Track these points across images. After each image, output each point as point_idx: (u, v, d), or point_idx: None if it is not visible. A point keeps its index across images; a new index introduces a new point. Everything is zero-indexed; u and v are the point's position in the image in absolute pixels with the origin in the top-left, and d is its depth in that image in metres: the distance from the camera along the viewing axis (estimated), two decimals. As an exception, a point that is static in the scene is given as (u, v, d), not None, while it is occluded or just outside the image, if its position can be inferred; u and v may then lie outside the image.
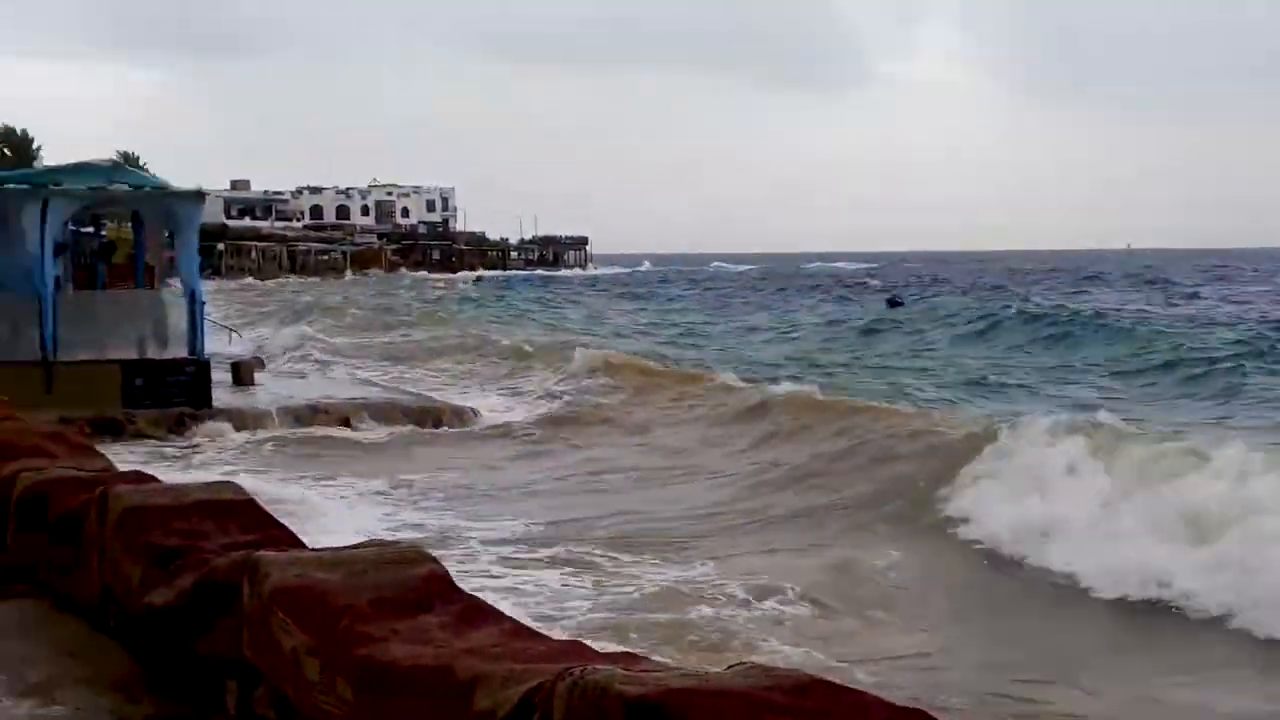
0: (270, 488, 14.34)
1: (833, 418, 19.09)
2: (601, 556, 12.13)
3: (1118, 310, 47.49)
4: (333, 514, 13.49)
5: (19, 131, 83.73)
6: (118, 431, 18.32)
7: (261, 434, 19.15)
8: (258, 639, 3.42)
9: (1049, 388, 26.03)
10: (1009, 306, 45.49)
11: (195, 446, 18.37)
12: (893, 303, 57.24)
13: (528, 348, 31.86)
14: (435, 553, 10.15)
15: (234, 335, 32.57)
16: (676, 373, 26.06)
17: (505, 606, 8.99)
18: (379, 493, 15.43)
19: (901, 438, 17.05)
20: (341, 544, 3.75)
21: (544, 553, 12.22)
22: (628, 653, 2.97)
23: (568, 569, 11.65)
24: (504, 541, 12.78)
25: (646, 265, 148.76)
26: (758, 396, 21.61)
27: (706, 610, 10.23)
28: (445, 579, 3.42)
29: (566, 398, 24.35)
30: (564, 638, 3.19)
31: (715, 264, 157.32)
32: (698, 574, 11.61)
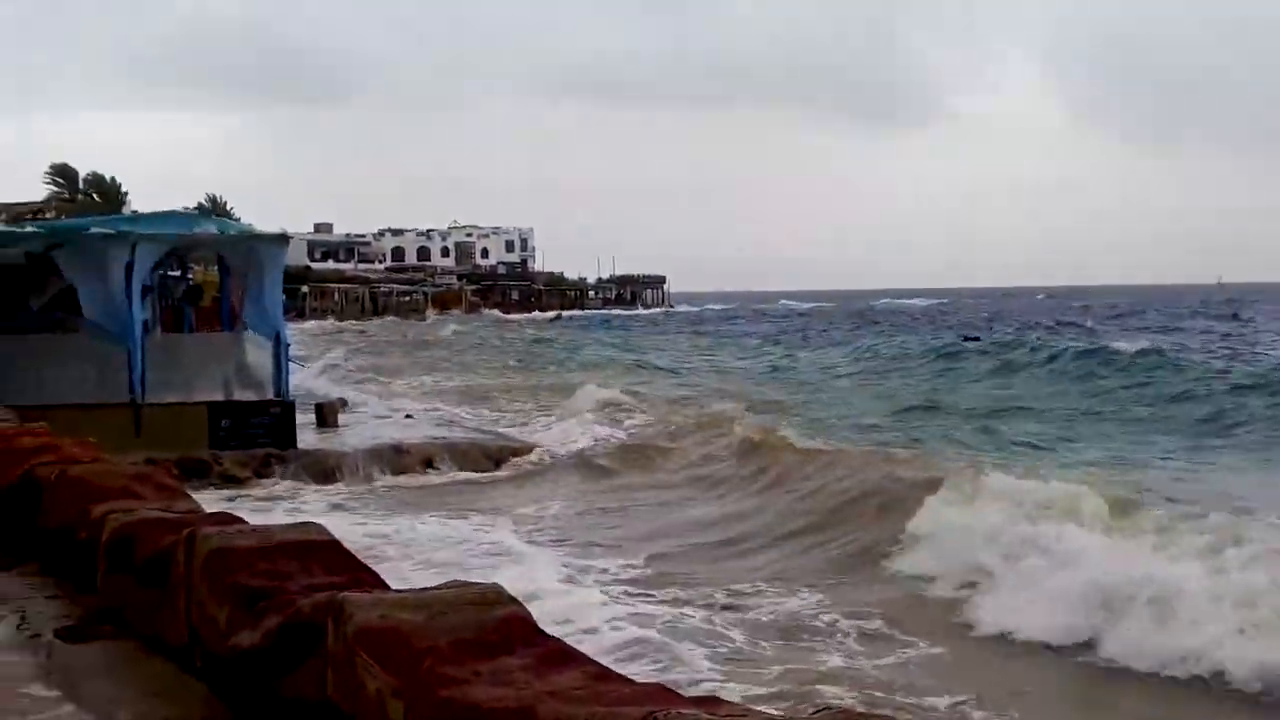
0: (431, 529, 15.58)
1: (876, 462, 19.12)
2: (720, 592, 12.66)
3: (1181, 348, 47.02)
4: (534, 556, 14.10)
5: (108, 179, 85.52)
6: (204, 473, 18.56)
7: (353, 484, 19.43)
8: (342, 680, 3.43)
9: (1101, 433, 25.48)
10: (1075, 342, 45.17)
11: (296, 490, 18.70)
12: (967, 338, 57.06)
13: (601, 391, 31.96)
14: (566, 589, 10.47)
15: (302, 366, 32.99)
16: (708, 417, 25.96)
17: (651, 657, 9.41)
18: (510, 531, 16.02)
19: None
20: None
21: (670, 592, 12.72)
22: (712, 697, 2.94)
23: (691, 607, 12.07)
24: (631, 581, 13.30)
25: (719, 306, 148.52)
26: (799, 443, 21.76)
27: (837, 660, 10.32)
28: (527, 621, 3.42)
29: (629, 432, 24.90)
30: (647, 681, 3.16)
31: (783, 301, 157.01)
32: (811, 608, 11.98)
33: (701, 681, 9.28)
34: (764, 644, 10.83)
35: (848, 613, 11.84)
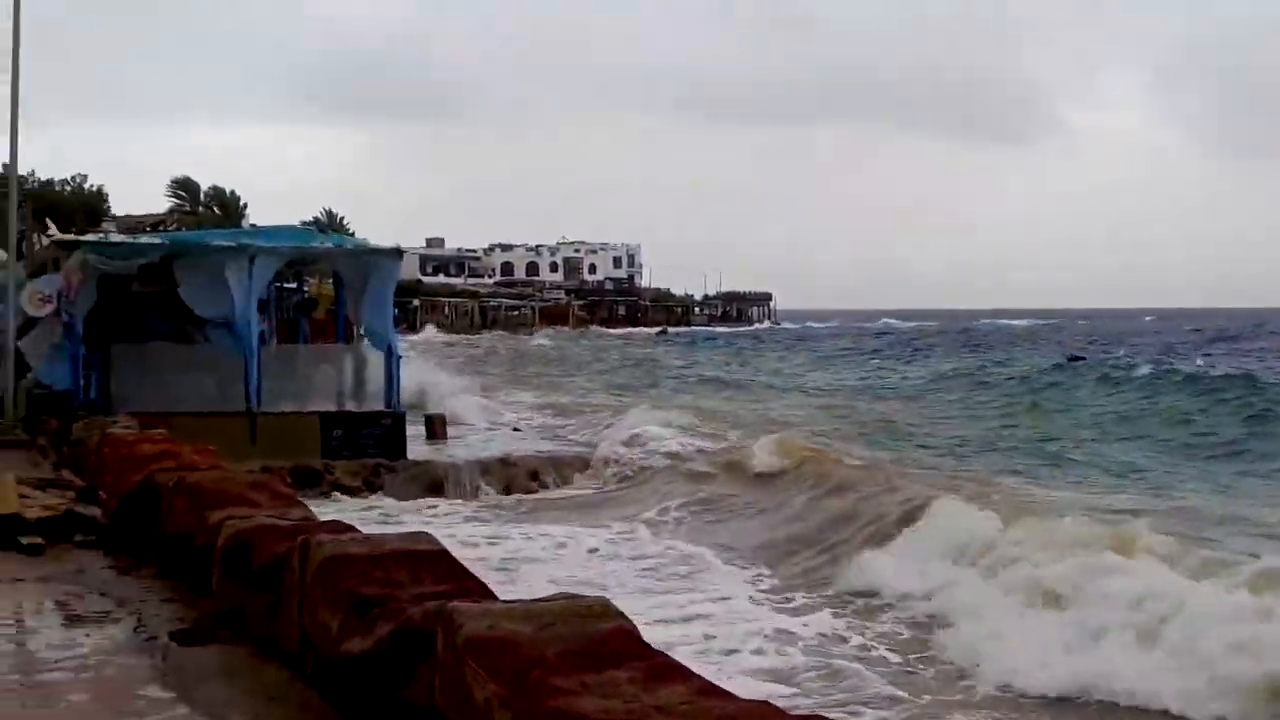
0: (577, 541, 16.08)
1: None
2: (850, 594, 13.20)
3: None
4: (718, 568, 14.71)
5: (228, 192, 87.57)
6: (316, 481, 18.87)
7: (462, 496, 19.70)
8: (450, 689, 3.46)
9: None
10: (1184, 365, 44.70)
11: (429, 503, 19.01)
12: (1073, 358, 56.25)
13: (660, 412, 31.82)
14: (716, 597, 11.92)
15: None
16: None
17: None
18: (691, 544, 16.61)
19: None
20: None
21: (814, 595, 13.24)
22: (815, 715, 2.92)
23: (830, 610, 12.54)
24: (771, 590, 13.69)
25: (819, 324, 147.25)
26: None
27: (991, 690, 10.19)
28: (634, 635, 3.42)
29: (717, 446, 24.87)
30: (752, 698, 3.15)
31: (884, 320, 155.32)
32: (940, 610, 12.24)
33: (854, 702, 9.45)
34: (913, 658, 10.99)
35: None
